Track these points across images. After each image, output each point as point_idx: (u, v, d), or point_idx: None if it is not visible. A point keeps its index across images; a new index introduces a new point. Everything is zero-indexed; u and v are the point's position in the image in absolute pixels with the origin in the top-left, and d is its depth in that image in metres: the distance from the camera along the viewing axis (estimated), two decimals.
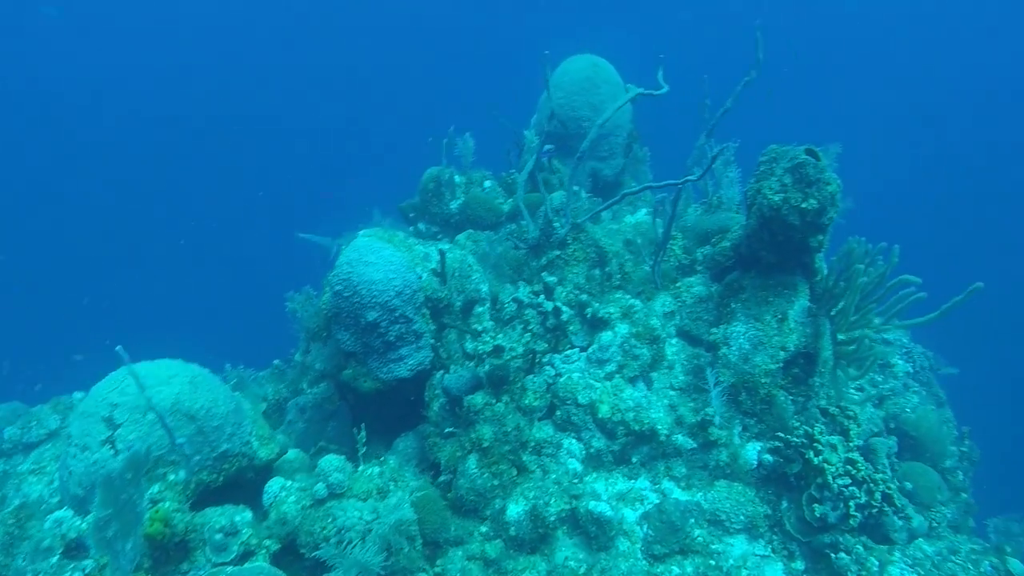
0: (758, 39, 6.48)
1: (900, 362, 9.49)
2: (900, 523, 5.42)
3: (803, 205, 5.28)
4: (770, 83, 7.07)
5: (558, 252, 6.64)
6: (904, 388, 8.19)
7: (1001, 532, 8.02)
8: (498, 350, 5.47)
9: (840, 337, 5.84)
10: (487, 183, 8.41)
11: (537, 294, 6.16)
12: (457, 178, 8.35)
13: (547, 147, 7.24)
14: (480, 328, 5.95)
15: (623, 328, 6.04)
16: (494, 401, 5.48)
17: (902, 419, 7.55)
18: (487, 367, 5.47)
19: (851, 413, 5.64)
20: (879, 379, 8.30)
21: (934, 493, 7.31)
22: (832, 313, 5.81)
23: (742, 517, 5.42)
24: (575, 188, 8.42)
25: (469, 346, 5.84)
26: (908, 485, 7.16)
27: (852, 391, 7.83)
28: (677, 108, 8.95)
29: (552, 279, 6.22)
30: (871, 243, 5.69)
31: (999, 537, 7.87)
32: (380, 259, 5.65)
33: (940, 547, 7.14)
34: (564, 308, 6.09)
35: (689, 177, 6.02)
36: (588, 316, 6.07)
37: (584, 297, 6.19)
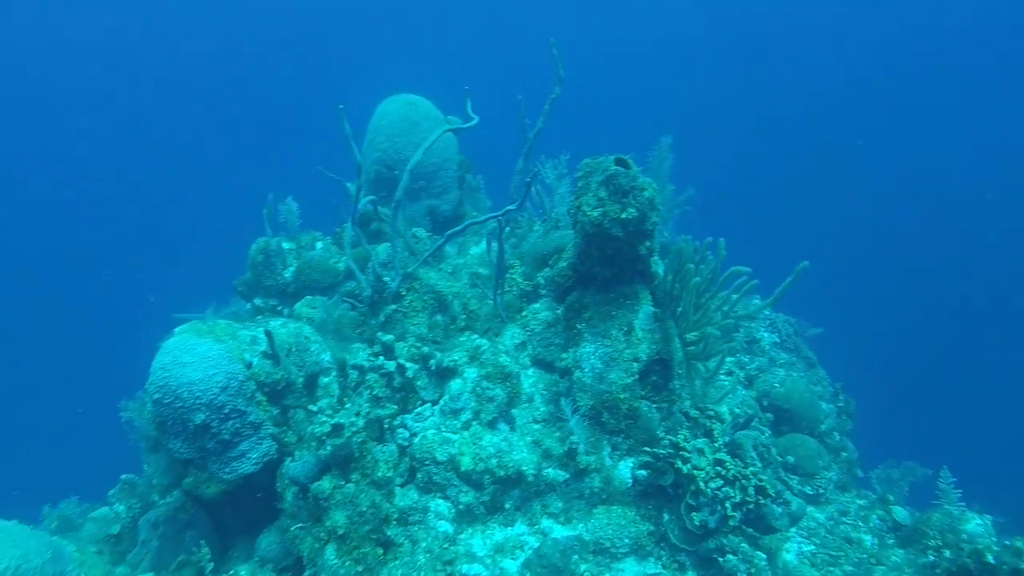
0: (555, 56, 6.40)
1: (766, 334, 9.63)
2: (779, 510, 5.36)
3: (623, 216, 5.17)
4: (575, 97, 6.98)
5: (394, 306, 6.34)
6: (770, 363, 8.27)
7: (884, 481, 8.18)
8: (337, 429, 5.11)
9: (688, 337, 5.76)
10: (319, 244, 8.04)
11: (377, 355, 5.83)
12: (286, 244, 7.94)
13: (368, 198, 6.93)
14: (316, 408, 5.57)
15: (472, 372, 5.78)
16: (343, 483, 5.11)
17: (773, 395, 7.60)
18: (328, 448, 5.09)
19: (712, 412, 5.57)
20: (746, 359, 8.37)
21: (815, 460, 7.38)
22: (676, 315, 5.73)
23: (627, 540, 5.23)
24: (413, 230, 8.16)
25: (310, 428, 5.45)
26: (790, 459, 7.20)
27: (723, 378, 7.84)
28: (510, 131, 8.82)
29: (389, 337, 5.91)
30: (699, 240, 5.66)
31: (883, 487, 8.01)
32: (197, 357, 5.20)
33: (831, 511, 7.20)
34: (408, 364, 5.79)
35: (509, 208, 5.84)
36: (433, 368, 5.78)
37: (426, 349, 5.90)
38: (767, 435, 6.98)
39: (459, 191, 9.23)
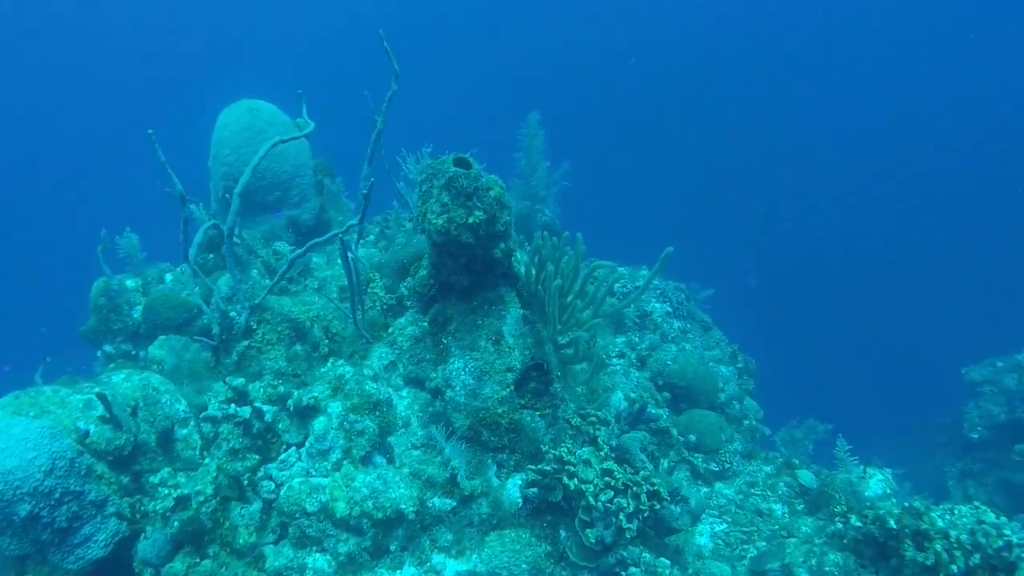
0: (388, 50, 5.88)
1: (657, 305, 9.40)
2: (678, 509, 5.08)
3: (470, 220, 4.74)
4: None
5: (246, 342, 5.77)
6: (663, 338, 8.02)
7: (787, 442, 8.11)
8: (181, 501, 4.56)
9: (560, 341, 5.40)
10: (168, 276, 7.36)
11: (229, 402, 5.28)
12: (130, 282, 7.23)
13: (209, 222, 6.31)
14: (156, 480, 4.99)
15: (336, 406, 5.28)
16: (198, 560, 4.58)
17: (667, 373, 7.35)
18: (176, 525, 4.54)
19: (595, 418, 5.24)
20: (636, 338, 8.10)
21: (718, 435, 7.17)
22: (545, 316, 5.36)
23: (524, 565, 4.88)
24: (275, 246, 7.58)
25: (151, 504, 4.87)
26: (692, 437, 6.97)
27: (615, 361, 7.56)
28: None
29: (239, 381, 5.36)
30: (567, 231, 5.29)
31: (788, 448, 7.94)
32: (11, 441, 4.55)
33: (739, 484, 7.01)
34: (265, 407, 5.26)
35: (352, 223, 5.32)
36: (293, 408, 5.26)
37: (282, 388, 5.37)
38: (665, 417, 6.72)
39: (319, 197, 8.64)
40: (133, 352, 7.08)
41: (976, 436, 12.17)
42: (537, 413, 5.29)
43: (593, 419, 5.21)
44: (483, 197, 4.74)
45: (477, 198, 4.73)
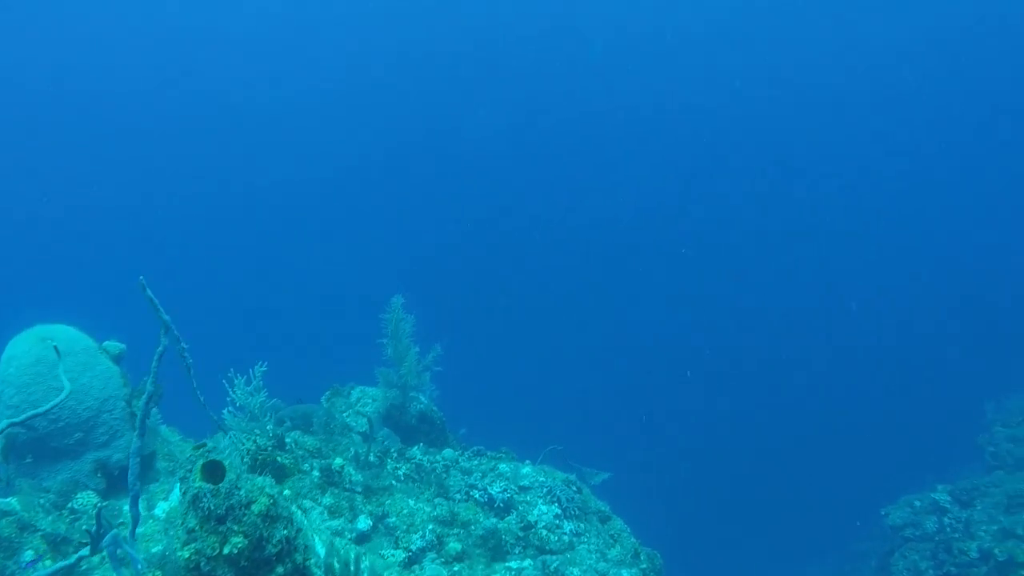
0: (153, 300, 4.81)
1: (544, 508, 8.32)
2: None
3: (225, 552, 3.58)
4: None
5: None
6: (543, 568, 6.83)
7: None
8: None
9: None
10: None
11: None
12: None
13: None
14: None
15: None
16: None
17: None
18: None
19: None
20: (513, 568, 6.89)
21: None
22: None
23: None
24: (77, 498, 6.26)
25: None
26: None
27: None
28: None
29: None
30: None
31: None
32: None
33: None
34: None
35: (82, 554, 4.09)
36: None
37: None
38: None
39: (137, 429, 7.35)
40: None
41: None
42: None
43: None
44: (241, 517, 3.60)
45: (233, 519, 3.58)
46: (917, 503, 12.71)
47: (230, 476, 3.65)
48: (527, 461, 9.41)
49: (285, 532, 3.79)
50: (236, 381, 6.86)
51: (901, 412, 31.19)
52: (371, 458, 8.50)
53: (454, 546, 6.73)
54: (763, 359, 38.15)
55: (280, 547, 3.78)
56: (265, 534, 3.68)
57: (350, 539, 6.40)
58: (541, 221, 45.30)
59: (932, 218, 45.17)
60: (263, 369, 6.80)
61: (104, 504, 6.39)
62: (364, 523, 6.67)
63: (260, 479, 3.77)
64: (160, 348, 4.89)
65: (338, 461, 6.82)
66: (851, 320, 39.12)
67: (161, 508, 6.77)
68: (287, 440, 7.03)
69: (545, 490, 8.54)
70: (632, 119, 47.17)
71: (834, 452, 30.14)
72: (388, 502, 7.25)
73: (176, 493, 6.72)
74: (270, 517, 3.70)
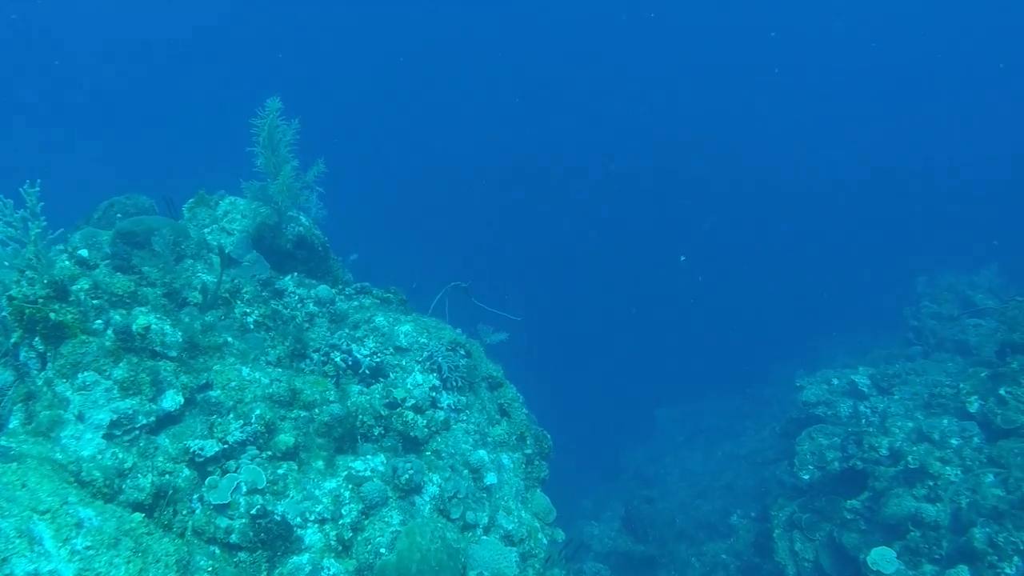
0: None
1: (419, 378, 7.07)
2: None
3: None
4: None
5: None
6: (381, 502, 5.51)
7: None
8: None
9: None
10: None
11: None
12: None
13: None
14: None
15: None
16: None
17: (379, 569, 4.97)
18: None
19: None
20: (347, 491, 5.62)
21: None
22: None
23: None
24: None
25: None
26: None
27: (308, 531, 5.12)
28: None
29: None
30: None
31: None
32: None
33: None
34: None
35: None
36: None
37: None
38: None
39: None
40: None
41: (807, 477, 10.57)
42: None
43: None
44: None
45: None
46: (835, 381, 11.91)
47: None
48: (414, 315, 8.02)
49: None
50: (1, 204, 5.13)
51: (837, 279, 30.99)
52: (222, 294, 7.00)
53: (284, 439, 5.39)
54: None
55: None
56: None
57: (145, 424, 5.00)
58: None
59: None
60: (36, 190, 5.05)
61: None
62: (172, 400, 5.24)
63: None
64: None
65: (141, 321, 5.27)
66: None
67: None
68: (79, 285, 5.41)
69: (425, 355, 7.20)
70: None
71: (761, 306, 30.06)
72: (216, 368, 5.81)
73: None
74: None
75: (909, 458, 9.08)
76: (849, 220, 38.24)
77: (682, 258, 32.08)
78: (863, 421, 10.62)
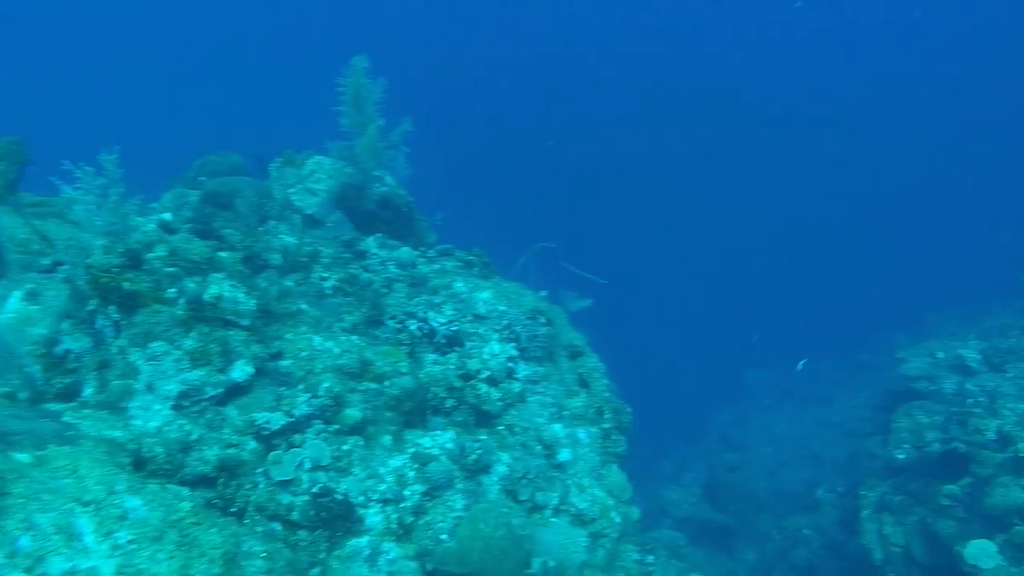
0: None
1: (497, 347, 6.92)
2: None
3: None
4: None
5: None
6: (446, 484, 5.37)
7: None
8: None
9: None
10: None
11: None
12: None
13: None
14: None
15: None
16: None
17: (439, 556, 4.87)
18: None
19: None
20: (412, 472, 5.51)
21: None
22: None
23: None
24: None
25: None
26: None
27: (371, 514, 5.07)
28: None
29: None
30: None
31: None
32: None
33: None
34: None
35: None
36: None
37: None
38: None
39: None
40: None
41: (902, 457, 9.91)
42: None
43: None
44: None
45: None
46: (940, 354, 11.06)
47: None
48: (495, 279, 7.84)
49: None
50: (81, 172, 5.17)
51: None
52: (300, 258, 6.99)
53: (352, 413, 5.33)
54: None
55: None
56: None
57: (213, 395, 5.03)
58: None
59: None
60: (114, 156, 5.06)
61: None
62: (241, 371, 5.25)
63: None
64: None
65: (213, 290, 5.26)
66: None
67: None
68: (156, 252, 5.44)
69: (504, 323, 7.04)
70: None
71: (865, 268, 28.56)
72: (289, 336, 5.80)
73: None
74: None
75: (1020, 444, 8.39)
76: (965, 178, 35.71)
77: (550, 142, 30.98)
78: (969, 401, 9.86)
